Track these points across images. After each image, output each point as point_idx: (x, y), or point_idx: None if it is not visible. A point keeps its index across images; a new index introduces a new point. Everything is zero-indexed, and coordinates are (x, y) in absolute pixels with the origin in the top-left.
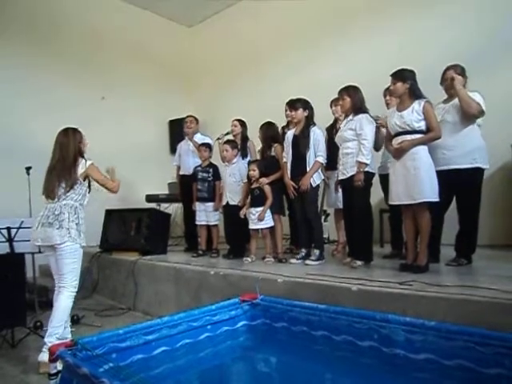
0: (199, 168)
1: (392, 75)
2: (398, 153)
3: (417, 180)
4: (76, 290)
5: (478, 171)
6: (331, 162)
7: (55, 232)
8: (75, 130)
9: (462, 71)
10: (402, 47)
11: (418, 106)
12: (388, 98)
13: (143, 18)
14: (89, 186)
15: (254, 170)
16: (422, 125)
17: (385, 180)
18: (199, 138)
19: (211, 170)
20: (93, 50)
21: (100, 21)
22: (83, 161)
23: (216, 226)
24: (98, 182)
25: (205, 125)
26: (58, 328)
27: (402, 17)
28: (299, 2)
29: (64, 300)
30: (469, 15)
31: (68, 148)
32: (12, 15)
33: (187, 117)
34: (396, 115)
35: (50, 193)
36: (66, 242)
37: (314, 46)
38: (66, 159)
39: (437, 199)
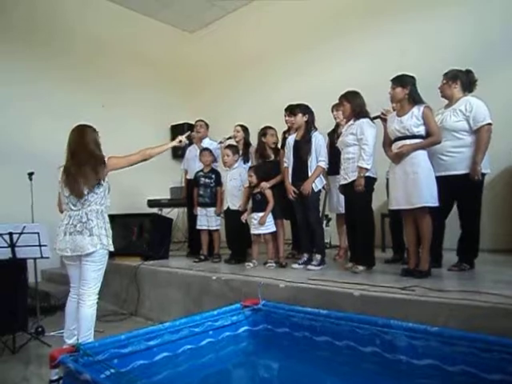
0: (201, 173)
1: (392, 80)
2: (398, 157)
3: (415, 185)
4: (97, 296)
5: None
6: (333, 167)
7: (87, 240)
8: (92, 127)
9: (453, 76)
10: (403, 52)
11: (417, 110)
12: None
13: (145, 24)
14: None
15: (250, 176)
16: (421, 130)
17: None
18: (208, 143)
19: (213, 176)
20: (94, 56)
21: (101, 27)
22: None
23: (217, 230)
24: (128, 165)
25: None
26: (87, 336)
27: (403, 20)
28: (300, 8)
29: (87, 309)
30: (470, 19)
31: (87, 144)
32: (12, 19)
33: (198, 121)
34: (396, 120)
35: (78, 194)
36: (97, 250)
37: (315, 50)
38: (90, 158)
39: (436, 204)
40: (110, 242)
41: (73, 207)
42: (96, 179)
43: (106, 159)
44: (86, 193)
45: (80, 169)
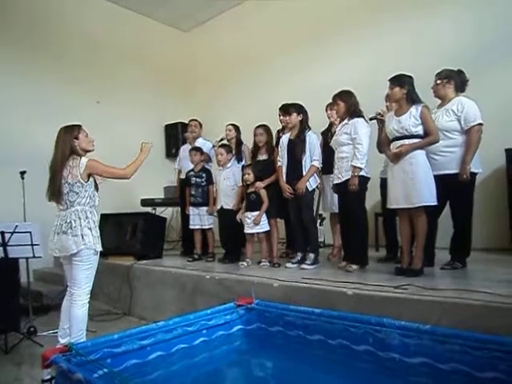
0: (192, 173)
1: (390, 80)
2: (397, 157)
3: (415, 184)
4: (89, 296)
5: (470, 175)
6: (327, 167)
7: (71, 241)
8: (68, 128)
9: (446, 76)
10: (399, 53)
11: (415, 110)
12: (388, 103)
13: (139, 23)
14: (95, 186)
15: (248, 174)
16: (419, 129)
17: (386, 184)
18: (201, 143)
19: (204, 175)
20: (89, 55)
21: (97, 26)
22: (78, 160)
23: (210, 229)
24: (105, 176)
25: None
26: (79, 337)
27: (400, 20)
28: (295, 8)
29: (78, 310)
30: (468, 19)
31: (57, 148)
32: (11, 21)
33: (191, 120)
34: (394, 120)
35: (55, 196)
36: (82, 250)
37: (309, 50)
38: (57, 161)
39: (435, 203)
40: (97, 241)
41: (61, 207)
42: (58, 180)
43: (85, 160)
44: (65, 192)
45: (53, 171)
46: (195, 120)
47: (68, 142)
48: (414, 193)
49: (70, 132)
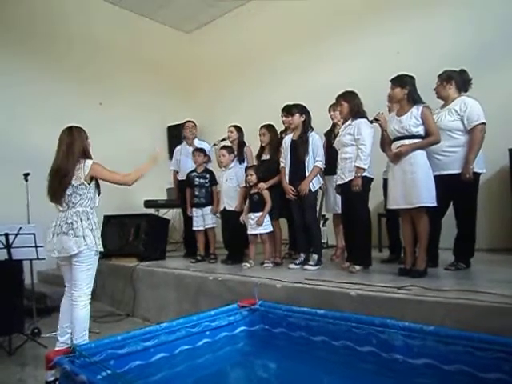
0: (195, 174)
1: (391, 80)
2: (397, 157)
3: (414, 184)
4: (90, 297)
5: (474, 175)
6: (330, 167)
7: (72, 241)
8: (80, 128)
9: (447, 77)
10: (399, 52)
11: (416, 110)
12: (390, 103)
13: (142, 25)
14: (97, 187)
15: (251, 175)
16: (420, 130)
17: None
18: (197, 143)
19: (208, 176)
20: (91, 57)
21: (99, 27)
22: (83, 162)
23: (212, 229)
24: (106, 181)
25: (203, 130)
26: (82, 337)
27: (400, 20)
28: (296, 8)
29: (80, 310)
30: (468, 18)
31: (72, 145)
32: (11, 22)
33: (188, 122)
34: (395, 120)
35: (58, 198)
36: (83, 251)
37: (311, 51)
38: (69, 160)
39: (434, 204)
40: (98, 242)
41: (60, 208)
42: (68, 182)
43: (90, 163)
44: (66, 200)
45: (57, 172)
46: (192, 121)
47: (82, 142)
48: (413, 193)
49: (83, 133)
